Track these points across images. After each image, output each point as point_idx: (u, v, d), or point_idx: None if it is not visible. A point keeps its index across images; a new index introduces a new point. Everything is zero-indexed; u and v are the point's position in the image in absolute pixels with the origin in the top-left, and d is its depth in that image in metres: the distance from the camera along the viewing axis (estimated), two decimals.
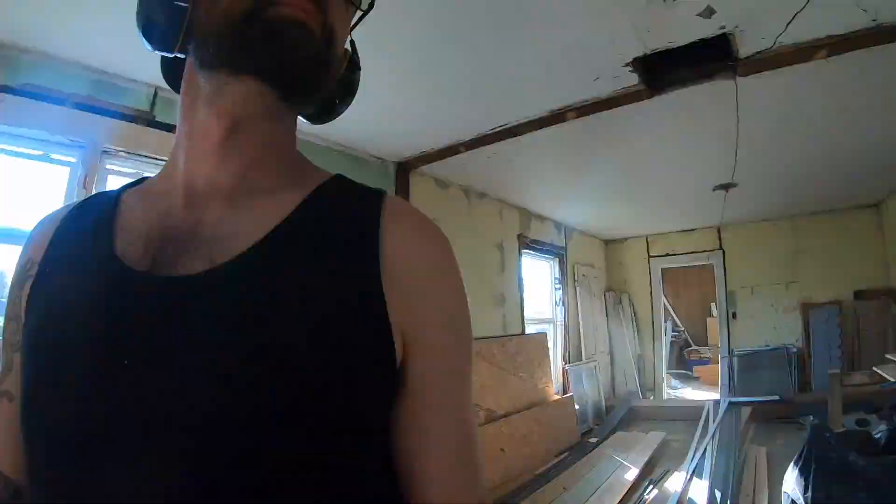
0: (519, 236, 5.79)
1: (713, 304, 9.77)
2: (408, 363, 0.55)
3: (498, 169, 4.50)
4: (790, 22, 2.30)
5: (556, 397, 5.72)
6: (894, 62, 2.68)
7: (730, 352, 6.72)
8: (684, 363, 8.68)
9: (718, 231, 7.15)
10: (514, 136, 3.55)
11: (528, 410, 5.14)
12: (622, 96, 2.97)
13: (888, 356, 4.39)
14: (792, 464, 2.53)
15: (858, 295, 6.15)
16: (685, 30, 2.40)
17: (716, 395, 6.47)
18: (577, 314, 6.67)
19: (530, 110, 3.25)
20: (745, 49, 2.55)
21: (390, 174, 4.13)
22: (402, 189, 4.20)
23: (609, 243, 7.98)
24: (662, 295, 7.68)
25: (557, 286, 6.60)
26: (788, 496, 2.43)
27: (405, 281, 0.55)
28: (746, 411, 5.43)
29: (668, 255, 7.57)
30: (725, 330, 6.95)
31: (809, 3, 2.12)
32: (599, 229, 7.46)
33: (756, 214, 6.59)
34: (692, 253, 7.36)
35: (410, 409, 0.56)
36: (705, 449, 4.57)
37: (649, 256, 7.68)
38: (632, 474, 4.43)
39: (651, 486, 4.20)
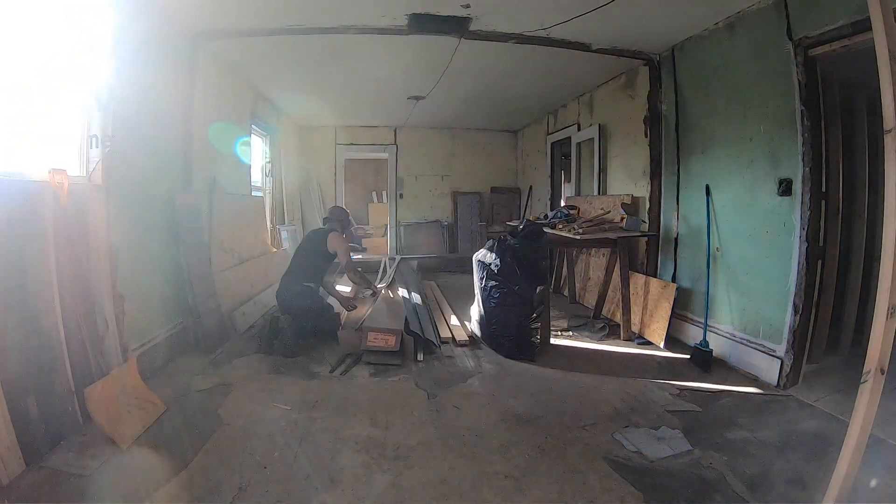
0: (251, 112, 6.10)
1: (373, 194, 11.89)
2: None
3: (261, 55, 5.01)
4: (501, 21, 4.08)
5: (274, 250, 6.42)
6: (552, 57, 4.82)
7: (397, 223, 8.81)
8: (352, 237, 10.46)
9: (395, 130, 8.95)
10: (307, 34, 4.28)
11: (261, 257, 5.76)
12: (391, 28, 4.15)
13: (509, 222, 7.07)
14: (486, 248, 4.34)
15: (494, 189, 9.25)
16: (448, 7, 3.82)
17: (384, 257, 8.45)
18: (282, 185, 7.32)
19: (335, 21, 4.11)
20: (473, 27, 4.16)
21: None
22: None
23: (304, 129, 8.78)
24: (343, 177, 9.04)
25: (268, 160, 7.08)
26: (480, 261, 4.27)
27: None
28: (414, 263, 7.47)
29: (352, 144, 8.91)
30: (394, 206, 8.98)
31: (517, 13, 3.91)
32: (299, 117, 8.23)
33: (428, 122, 8.65)
34: (371, 144, 8.94)
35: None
36: (393, 276, 6.31)
37: (336, 143, 8.86)
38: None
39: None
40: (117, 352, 2.83)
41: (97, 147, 2.89)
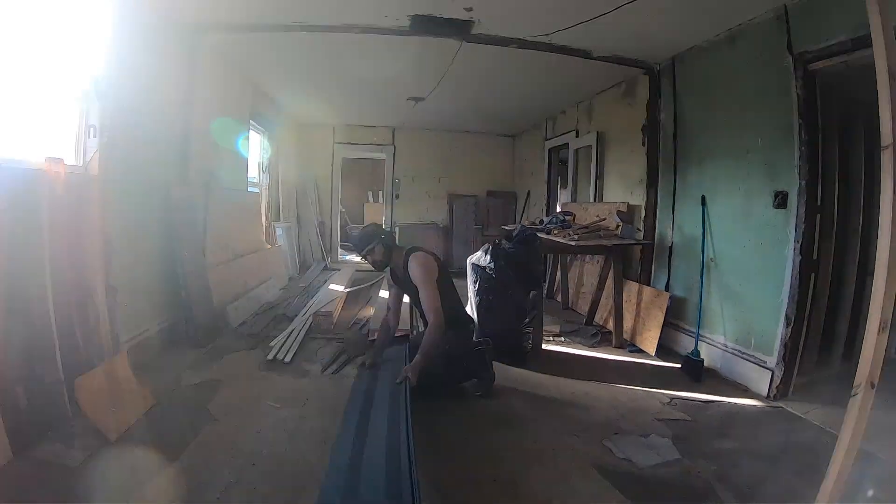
0: (250, 107, 6.09)
1: (369, 193, 11.87)
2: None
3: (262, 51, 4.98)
4: (503, 26, 4.09)
5: (269, 246, 6.40)
6: (553, 63, 4.82)
7: (392, 224, 8.82)
8: (347, 236, 10.48)
9: (393, 131, 8.94)
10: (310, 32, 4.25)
11: (255, 254, 5.75)
12: (393, 28, 4.15)
13: (504, 227, 7.10)
14: (482, 251, 4.34)
15: (490, 193, 9.27)
16: (450, 10, 3.81)
17: None
18: (278, 181, 7.30)
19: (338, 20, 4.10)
20: (475, 30, 4.16)
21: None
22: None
23: (302, 127, 8.75)
24: (340, 175, 9.05)
25: (265, 156, 7.07)
26: (475, 264, 4.26)
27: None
28: None
29: (350, 143, 8.90)
30: (390, 207, 8.98)
31: (520, 18, 3.94)
32: (298, 114, 8.20)
33: (426, 124, 8.65)
34: (369, 144, 8.94)
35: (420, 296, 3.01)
36: None
37: (334, 142, 8.85)
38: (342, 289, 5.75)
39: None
40: (108, 343, 2.81)
41: (95, 137, 2.88)
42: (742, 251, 3.69)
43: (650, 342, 4.34)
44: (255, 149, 6.79)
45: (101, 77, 2.95)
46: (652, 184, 4.83)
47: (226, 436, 2.55)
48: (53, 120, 2.80)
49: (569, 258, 6.22)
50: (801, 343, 3.33)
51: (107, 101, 2.96)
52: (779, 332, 3.31)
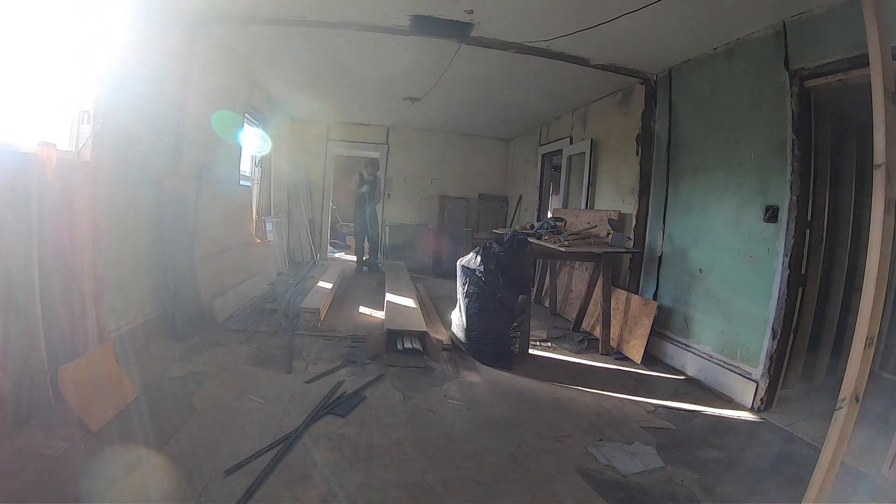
0: (246, 101, 6.05)
1: None
2: None
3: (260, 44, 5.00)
4: (504, 29, 4.12)
5: (258, 241, 6.36)
6: (550, 69, 4.85)
7: (383, 222, 8.84)
8: (336, 234, 10.45)
9: (387, 130, 8.94)
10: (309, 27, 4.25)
11: (245, 248, 5.71)
12: (394, 27, 4.16)
13: (495, 230, 7.14)
14: (473, 253, 4.35)
15: (482, 196, 9.33)
16: (451, 12, 3.83)
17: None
18: (271, 176, 7.25)
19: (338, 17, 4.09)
20: (475, 33, 4.19)
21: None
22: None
23: (297, 123, 8.72)
24: (333, 172, 9.03)
25: (259, 150, 7.01)
26: (465, 266, 4.26)
27: None
28: (402, 264, 7.48)
29: (344, 140, 8.89)
30: (382, 206, 8.94)
31: (520, 23, 3.97)
32: (293, 110, 8.18)
33: (421, 124, 8.67)
34: (363, 143, 8.93)
35: None
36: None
37: (328, 139, 8.84)
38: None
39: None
40: (94, 333, 2.77)
41: (88, 123, 2.84)
42: (731, 263, 3.72)
43: (636, 350, 4.36)
44: (250, 142, 6.75)
45: (99, 63, 2.91)
46: (644, 193, 4.86)
47: (209, 430, 2.52)
48: (49, 105, 2.76)
49: (558, 264, 6.24)
50: (787, 356, 3.37)
51: (102, 87, 2.92)
52: (765, 344, 3.34)
